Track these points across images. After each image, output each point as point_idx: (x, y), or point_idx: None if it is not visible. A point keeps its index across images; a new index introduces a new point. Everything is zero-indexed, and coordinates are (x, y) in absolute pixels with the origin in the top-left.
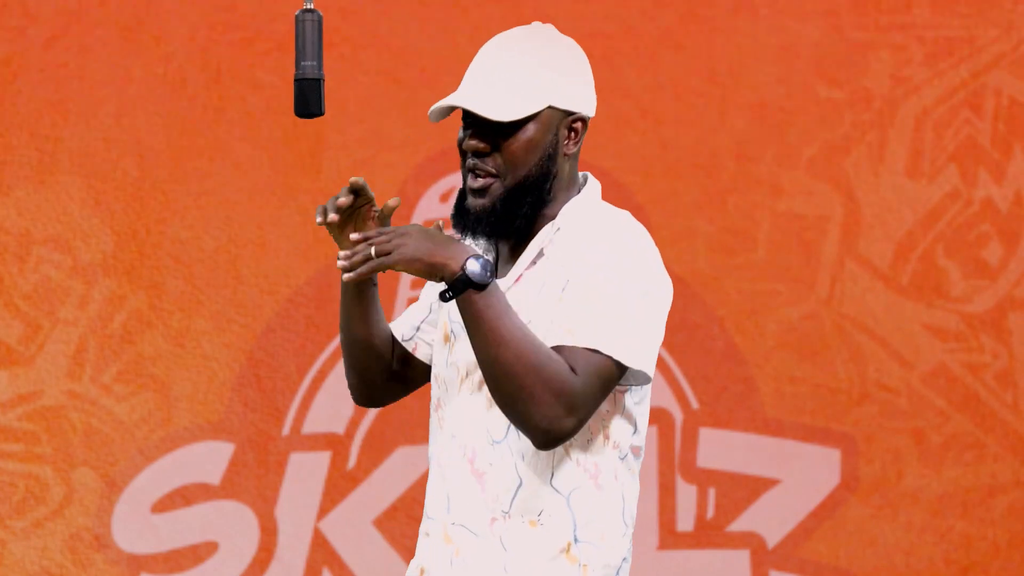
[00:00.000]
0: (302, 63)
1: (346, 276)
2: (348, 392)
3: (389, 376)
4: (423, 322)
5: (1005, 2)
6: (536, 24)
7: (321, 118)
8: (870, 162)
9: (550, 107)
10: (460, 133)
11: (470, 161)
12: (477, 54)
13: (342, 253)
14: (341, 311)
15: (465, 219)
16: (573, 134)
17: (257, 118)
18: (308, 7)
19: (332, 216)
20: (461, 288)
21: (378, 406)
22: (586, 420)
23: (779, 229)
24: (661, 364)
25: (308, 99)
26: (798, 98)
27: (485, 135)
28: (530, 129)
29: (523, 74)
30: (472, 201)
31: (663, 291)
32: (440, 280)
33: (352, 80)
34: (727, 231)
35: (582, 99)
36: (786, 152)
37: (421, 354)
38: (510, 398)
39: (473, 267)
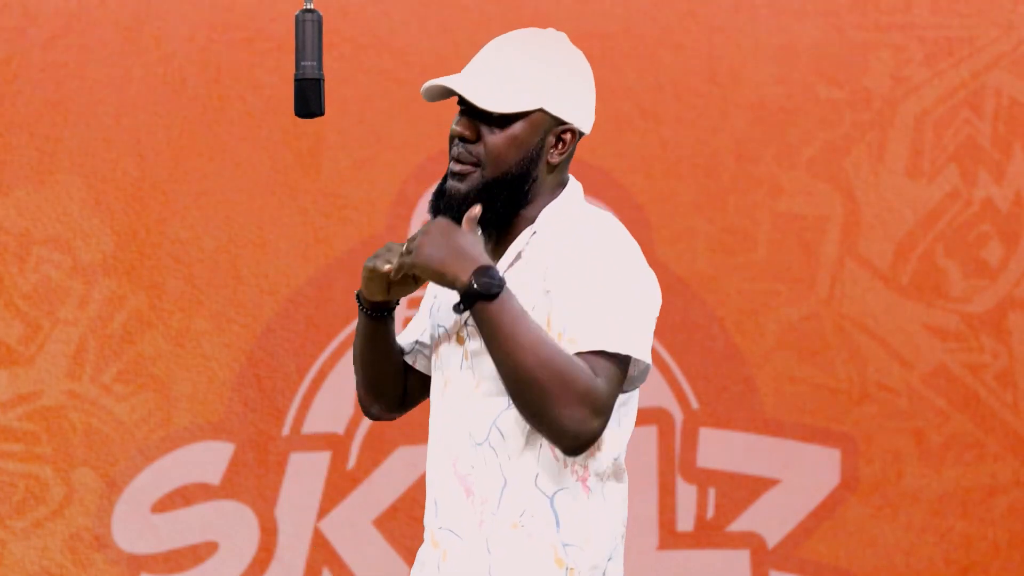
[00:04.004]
0: (302, 63)
1: (385, 267)
2: (348, 392)
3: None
4: (423, 334)
5: (1005, 2)
6: (551, 30)
7: (321, 118)
8: (870, 162)
9: (542, 111)
10: (456, 117)
11: (454, 149)
12: (486, 45)
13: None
14: (356, 336)
15: (439, 200)
16: (561, 144)
17: (257, 118)
18: (308, 7)
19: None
20: (472, 300)
21: (383, 419)
22: (608, 421)
23: (779, 229)
24: (661, 364)
25: (308, 99)
26: (798, 98)
27: (473, 123)
28: (518, 127)
29: (523, 72)
30: (450, 183)
31: (647, 283)
32: (452, 289)
33: (352, 80)
34: (727, 231)
35: (578, 112)
36: (786, 152)
37: (420, 366)
38: (535, 405)
39: (482, 279)
